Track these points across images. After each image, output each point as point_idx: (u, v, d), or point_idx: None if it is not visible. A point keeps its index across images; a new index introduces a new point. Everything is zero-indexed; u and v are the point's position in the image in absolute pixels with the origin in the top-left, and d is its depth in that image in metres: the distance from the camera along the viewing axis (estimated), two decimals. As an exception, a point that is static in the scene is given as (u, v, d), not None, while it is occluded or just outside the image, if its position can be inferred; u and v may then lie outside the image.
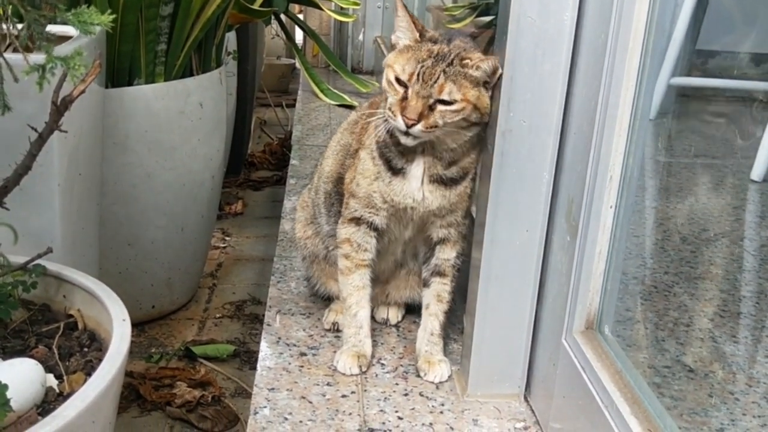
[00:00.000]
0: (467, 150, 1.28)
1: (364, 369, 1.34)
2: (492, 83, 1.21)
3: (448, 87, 1.18)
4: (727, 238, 2.07)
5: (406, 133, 1.20)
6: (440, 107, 1.19)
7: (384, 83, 1.25)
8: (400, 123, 1.19)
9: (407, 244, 1.40)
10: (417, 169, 1.29)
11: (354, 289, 1.38)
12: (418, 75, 1.19)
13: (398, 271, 1.48)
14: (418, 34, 1.24)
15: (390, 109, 1.21)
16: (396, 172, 1.30)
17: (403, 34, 1.26)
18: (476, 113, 1.21)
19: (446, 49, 1.21)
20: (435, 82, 1.18)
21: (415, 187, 1.29)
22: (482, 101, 1.21)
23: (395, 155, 1.29)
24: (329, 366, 1.36)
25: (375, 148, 1.31)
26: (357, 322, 1.37)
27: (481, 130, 1.26)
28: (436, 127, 1.19)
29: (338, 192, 1.42)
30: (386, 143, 1.29)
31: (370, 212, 1.34)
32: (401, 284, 1.50)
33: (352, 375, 1.33)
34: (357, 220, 1.36)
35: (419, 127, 1.18)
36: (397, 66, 1.22)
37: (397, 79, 1.21)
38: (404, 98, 1.20)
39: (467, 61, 1.20)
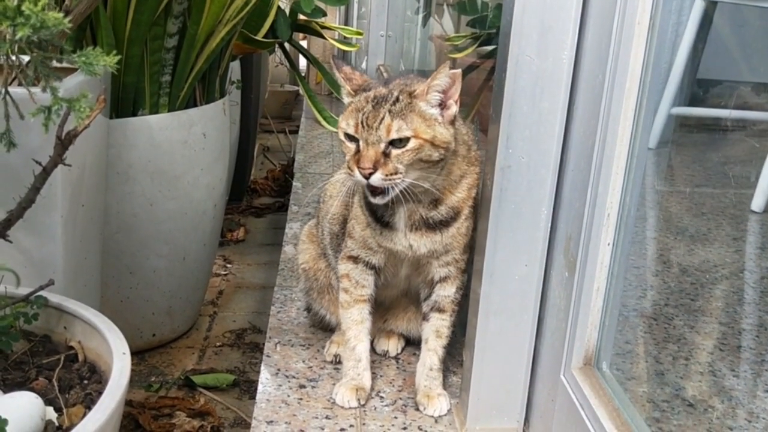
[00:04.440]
0: (451, 186, 1.27)
1: (362, 402, 1.35)
2: (452, 101, 1.19)
3: (396, 124, 1.15)
4: (727, 269, 2.07)
5: (371, 189, 1.17)
6: (395, 151, 1.16)
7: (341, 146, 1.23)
8: (357, 176, 1.16)
9: (409, 279, 1.41)
10: (399, 218, 1.28)
11: (353, 323, 1.39)
12: (362, 123, 1.16)
13: (402, 299, 1.49)
14: (350, 87, 1.22)
15: (348, 166, 1.19)
16: (383, 223, 1.30)
17: (344, 93, 1.24)
18: (436, 151, 1.18)
19: (385, 91, 1.19)
20: (380, 123, 1.15)
21: (401, 236, 1.29)
22: (440, 136, 1.18)
23: (377, 207, 1.28)
24: (328, 399, 1.36)
25: (363, 199, 1.31)
26: (356, 356, 1.38)
27: (461, 163, 1.27)
28: (396, 173, 1.15)
29: (344, 233, 1.42)
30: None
31: (366, 253, 1.36)
32: (401, 314, 1.51)
33: (350, 408, 1.33)
34: (355, 259, 1.37)
35: (378, 175, 1.15)
36: (343, 122, 1.20)
37: (347, 135, 1.19)
38: (357, 151, 1.18)
39: (416, 90, 1.18)
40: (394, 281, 1.42)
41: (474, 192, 1.30)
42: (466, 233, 1.32)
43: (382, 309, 1.50)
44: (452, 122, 1.21)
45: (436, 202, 1.27)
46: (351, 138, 1.19)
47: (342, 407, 1.34)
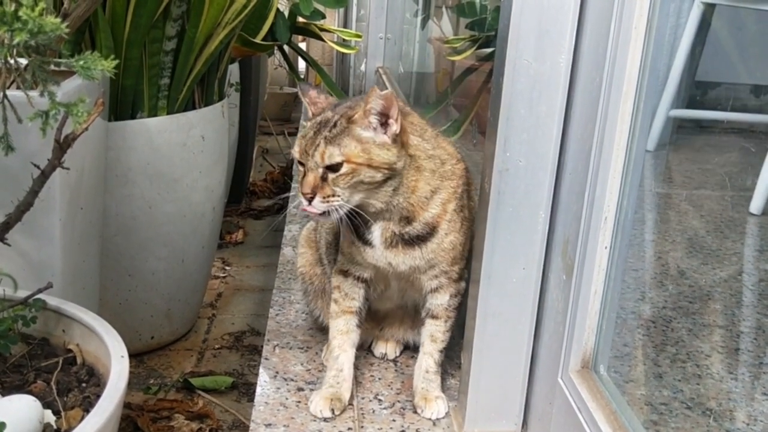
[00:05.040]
0: (421, 203, 1.27)
1: (337, 413, 1.32)
2: (392, 120, 1.20)
3: (328, 151, 1.18)
4: (725, 272, 2.07)
5: (312, 212, 1.20)
6: (331, 175, 1.19)
7: None
8: (302, 200, 1.20)
9: (402, 292, 1.42)
10: (375, 236, 1.29)
11: (338, 332, 1.40)
12: (304, 149, 1.20)
13: (398, 311, 1.50)
14: (312, 111, 1.27)
15: (298, 189, 1.22)
16: (364, 240, 1.31)
17: (306, 118, 1.28)
18: (378, 172, 1.20)
19: (329, 115, 1.22)
20: (316, 150, 1.18)
21: (379, 253, 1.30)
22: (377, 159, 1.19)
23: (358, 223, 1.28)
24: (326, 401, 1.36)
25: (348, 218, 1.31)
26: (338, 365, 1.37)
27: (430, 178, 1.26)
28: (334, 196, 1.19)
29: (338, 244, 1.42)
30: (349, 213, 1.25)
31: (356, 268, 1.37)
32: (397, 324, 1.52)
33: (323, 418, 1.31)
34: (345, 273, 1.39)
35: (317, 199, 1.18)
36: (294, 148, 1.24)
37: (299, 161, 1.23)
38: (304, 175, 1.21)
39: (354, 115, 1.20)
40: (388, 293, 1.43)
41: (452, 206, 1.29)
42: (450, 248, 1.31)
43: (377, 318, 1.51)
44: (396, 140, 1.22)
45: (408, 219, 1.27)
46: (300, 163, 1.23)
47: (314, 416, 1.31)
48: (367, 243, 1.31)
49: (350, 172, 1.19)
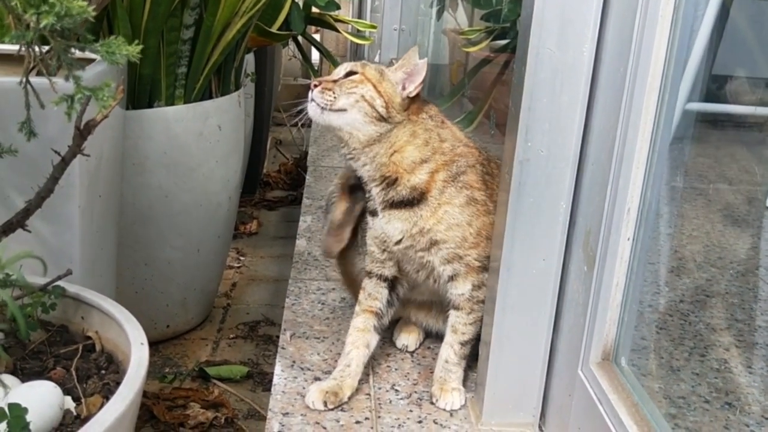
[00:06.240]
0: (407, 166, 1.30)
1: (330, 406, 1.31)
2: (412, 84, 1.30)
3: (353, 65, 1.32)
4: (742, 266, 2.06)
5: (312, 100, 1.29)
6: (343, 80, 1.30)
7: None
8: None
9: (428, 288, 1.42)
10: (375, 201, 1.35)
11: (354, 329, 1.41)
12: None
13: (428, 304, 1.51)
14: None
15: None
16: (372, 212, 1.37)
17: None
18: (379, 98, 1.28)
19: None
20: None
21: (378, 222, 1.35)
22: (384, 87, 1.29)
23: (370, 198, 1.36)
24: (344, 391, 1.36)
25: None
26: (347, 360, 1.37)
27: (423, 147, 1.30)
28: (330, 90, 1.28)
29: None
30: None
31: (377, 266, 1.41)
32: (425, 310, 1.52)
33: (315, 409, 1.31)
34: (369, 274, 1.42)
35: (318, 88, 1.28)
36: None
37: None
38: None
39: (390, 67, 1.34)
40: (420, 289, 1.45)
41: (441, 176, 1.31)
42: (455, 223, 1.30)
43: (405, 302, 1.52)
44: (404, 100, 1.30)
45: (391, 181, 1.32)
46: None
47: (307, 407, 1.31)
48: (374, 214, 1.36)
49: (359, 81, 1.29)
